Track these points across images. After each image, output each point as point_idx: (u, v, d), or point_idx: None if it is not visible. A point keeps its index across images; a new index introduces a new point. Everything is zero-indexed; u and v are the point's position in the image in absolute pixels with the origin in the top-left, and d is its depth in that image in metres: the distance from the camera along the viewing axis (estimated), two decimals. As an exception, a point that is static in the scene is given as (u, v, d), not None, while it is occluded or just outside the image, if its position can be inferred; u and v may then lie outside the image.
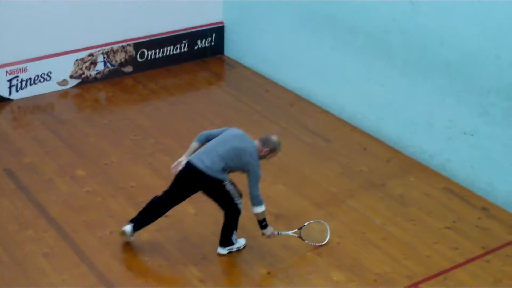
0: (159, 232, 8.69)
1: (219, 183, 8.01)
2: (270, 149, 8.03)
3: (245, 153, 7.91)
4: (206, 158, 7.97)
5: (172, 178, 8.22)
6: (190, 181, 8.07)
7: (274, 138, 8.08)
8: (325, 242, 8.55)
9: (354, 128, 11.04)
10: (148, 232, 8.66)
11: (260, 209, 7.96)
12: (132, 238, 8.43)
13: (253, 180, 7.90)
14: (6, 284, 7.95)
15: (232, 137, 8.06)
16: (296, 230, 8.54)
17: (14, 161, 10.14)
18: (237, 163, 7.93)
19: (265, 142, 8.02)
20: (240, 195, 8.22)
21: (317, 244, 8.52)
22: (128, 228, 8.36)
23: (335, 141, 10.74)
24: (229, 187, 8.07)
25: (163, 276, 8.08)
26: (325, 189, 9.62)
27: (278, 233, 8.33)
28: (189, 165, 8.04)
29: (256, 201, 7.94)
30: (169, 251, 8.41)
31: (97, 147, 10.46)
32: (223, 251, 8.39)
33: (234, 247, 8.43)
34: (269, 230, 8.18)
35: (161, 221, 8.81)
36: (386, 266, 8.27)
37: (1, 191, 9.48)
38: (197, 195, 9.25)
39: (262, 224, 8.12)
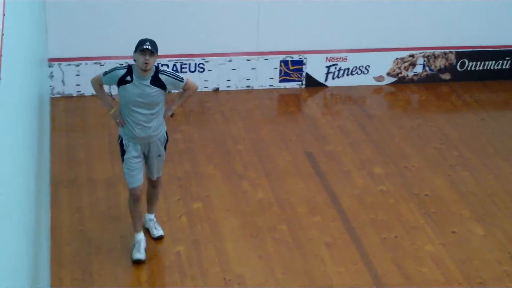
0: (444, 246, 8.50)
1: None
2: None
3: None
4: None
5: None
6: None
7: None
8: None
9: None
10: (432, 245, 8.51)
11: None
12: None
13: None
14: (283, 264, 8.16)
15: None
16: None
17: (317, 146, 10.36)
18: None
19: None
20: None
21: None
22: None
23: None
24: None
25: (438, 292, 7.91)
26: None
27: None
28: None
29: None
30: (448, 268, 8.19)
31: (399, 149, 10.41)
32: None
33: None
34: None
35: (448, 236, 8.65)
36: None
37: (299, 173, 9.73)
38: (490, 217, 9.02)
39: None
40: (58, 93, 11.31)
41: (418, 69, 12.34)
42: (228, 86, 11.81)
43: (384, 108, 11.73)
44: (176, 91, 8.03)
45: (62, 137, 10.29)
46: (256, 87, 11.88)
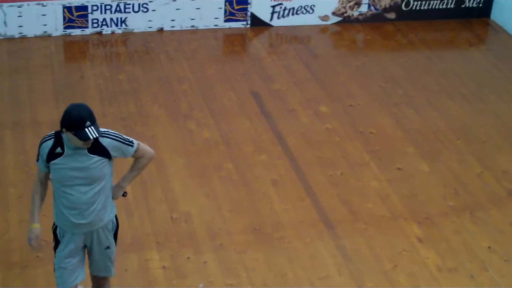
0: (389, 182, 8.59)
1: None
2: None
3: None
4: None
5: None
6: None
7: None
8: None
9: None
10: (378, 181, 8.59)
11: None
12: None
13: None
14: (230, 201, 8.21)
15: None
16: None
17: (262, 85, 10.34)
18: None
19: None
20: None
21: None
22: None
23: None
24: None
25: (383, 226, 7.98)
26: None
27: None
28: None
29: None
30: (394, 204, 8.30)
31: (345, 87, 10.43)
32: None
33: None
34: None
35: (393, 172, 8.74)
36: None
37: (245, 112, 9.72)
38: (435, 153, 9.09)
39: None
40: (0, 34, 11.09)
41: (364, 8, 12.33)
42: (172, 26, 11.69)
43: (329, 48, 11.73)
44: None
45: (4, 79, 10.11)
46: (201, 27, 11.77)
